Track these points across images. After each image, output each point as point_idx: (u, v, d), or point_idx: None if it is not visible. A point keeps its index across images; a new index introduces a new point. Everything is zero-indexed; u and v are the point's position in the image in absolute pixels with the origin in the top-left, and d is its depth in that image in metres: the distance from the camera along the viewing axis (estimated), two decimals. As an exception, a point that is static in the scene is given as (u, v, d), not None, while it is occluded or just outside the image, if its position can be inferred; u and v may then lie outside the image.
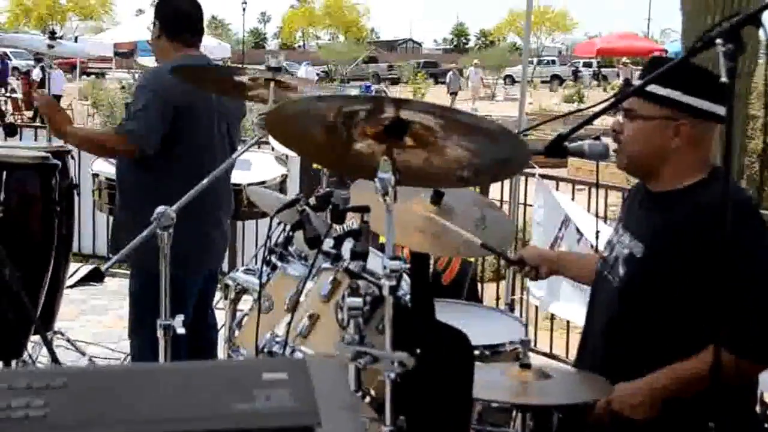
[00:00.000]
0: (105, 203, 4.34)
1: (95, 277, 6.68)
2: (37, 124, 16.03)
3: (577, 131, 2.21)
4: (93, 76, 31.11)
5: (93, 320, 5.81)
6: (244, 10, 64.91)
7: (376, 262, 2.19)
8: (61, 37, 4.87)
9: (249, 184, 4.42)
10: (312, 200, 2.57)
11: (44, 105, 3.88)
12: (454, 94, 32.07)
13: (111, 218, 4.20)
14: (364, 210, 2.26)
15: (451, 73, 33.77)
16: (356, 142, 2.08)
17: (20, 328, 3.96)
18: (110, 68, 35.86)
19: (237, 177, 4.40)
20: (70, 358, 4.67)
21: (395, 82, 43.04)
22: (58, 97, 22.47)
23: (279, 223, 2.80)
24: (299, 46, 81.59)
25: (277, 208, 2.47)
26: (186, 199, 2.70)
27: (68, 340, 4.81)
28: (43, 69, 23.26)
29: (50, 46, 4.64)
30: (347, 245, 2.28)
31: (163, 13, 3.79)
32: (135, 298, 3.71)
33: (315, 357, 2.18)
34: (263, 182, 4.53)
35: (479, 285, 5.43)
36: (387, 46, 76.02)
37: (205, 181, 2.76)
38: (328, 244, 2.29)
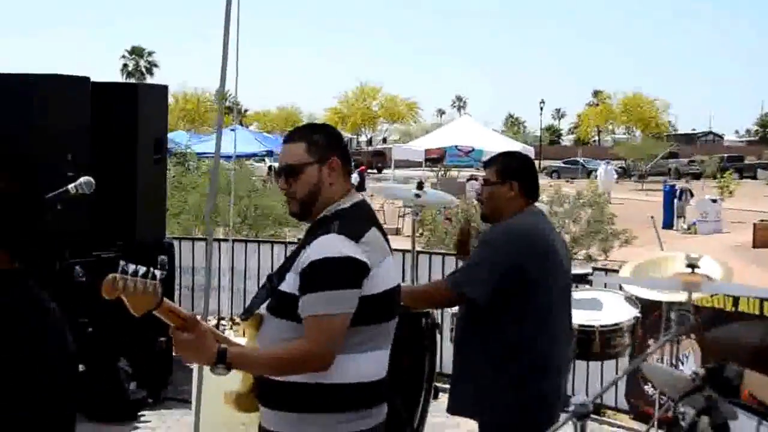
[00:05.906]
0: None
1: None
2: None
3: None
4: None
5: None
6: (541, 109, 66.09)
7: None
8: (422, 186, 5.28)
9: (602, 326, 4.50)
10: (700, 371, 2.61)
11: None
12: None
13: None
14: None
15: None
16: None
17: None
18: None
19: (588, 317, 4.50)
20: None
21: (696, 176, 41.37)
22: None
23: (660, 393, 2.90)
24: (594, 141, 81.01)
25: (682, 393, 2.57)
26: None
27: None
28: (360, 174, 25.26)
29: (417, 196, 5.05)
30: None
31: (521, 174, 3.77)
32: None
33: None
34: (617, 324, 4.51)
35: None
36: (685, 139, 73.52)
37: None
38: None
